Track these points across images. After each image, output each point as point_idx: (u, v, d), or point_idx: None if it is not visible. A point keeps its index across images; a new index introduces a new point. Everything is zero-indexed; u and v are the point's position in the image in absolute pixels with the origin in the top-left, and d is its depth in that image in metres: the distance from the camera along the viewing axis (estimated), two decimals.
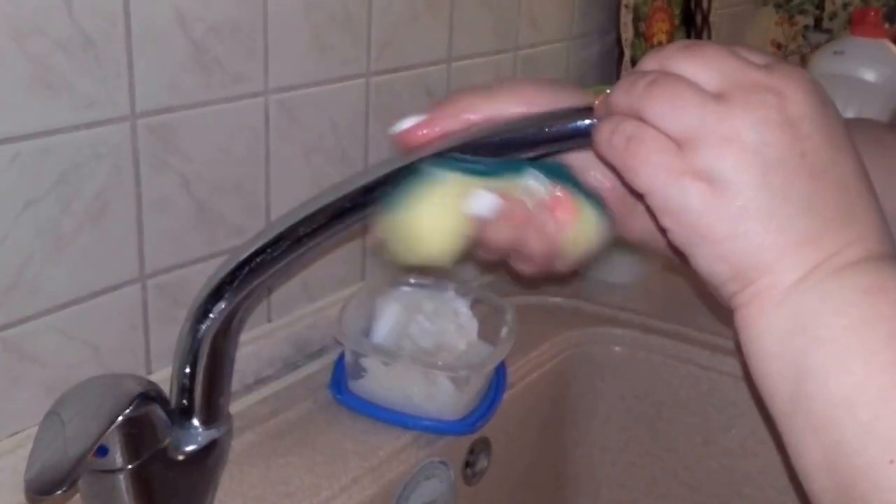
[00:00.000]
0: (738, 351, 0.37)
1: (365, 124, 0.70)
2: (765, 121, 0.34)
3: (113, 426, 0.43)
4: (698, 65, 0.35)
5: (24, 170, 0.49)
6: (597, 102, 0.38)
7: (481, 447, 0.73)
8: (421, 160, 0.38)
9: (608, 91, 0.37)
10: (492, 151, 0.39)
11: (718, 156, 0.34)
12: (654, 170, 0.35)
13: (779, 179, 0.34)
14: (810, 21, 1.36)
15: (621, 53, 0.98)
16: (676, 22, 1.08)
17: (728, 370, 0.81)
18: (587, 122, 0.38)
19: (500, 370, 0.72)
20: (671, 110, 0.34)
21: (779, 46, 1.38)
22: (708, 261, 0.36)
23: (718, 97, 0.34)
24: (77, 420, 0.44)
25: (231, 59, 0.58)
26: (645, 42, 1.01)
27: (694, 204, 0.34)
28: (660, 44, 1.04)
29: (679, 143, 0.35)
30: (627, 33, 0.98)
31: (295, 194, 0.66)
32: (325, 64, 0.65)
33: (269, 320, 0.68)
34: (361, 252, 0.74)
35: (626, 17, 0.98)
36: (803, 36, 1.37)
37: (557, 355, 0.82)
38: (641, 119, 0.35)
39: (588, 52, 0.96)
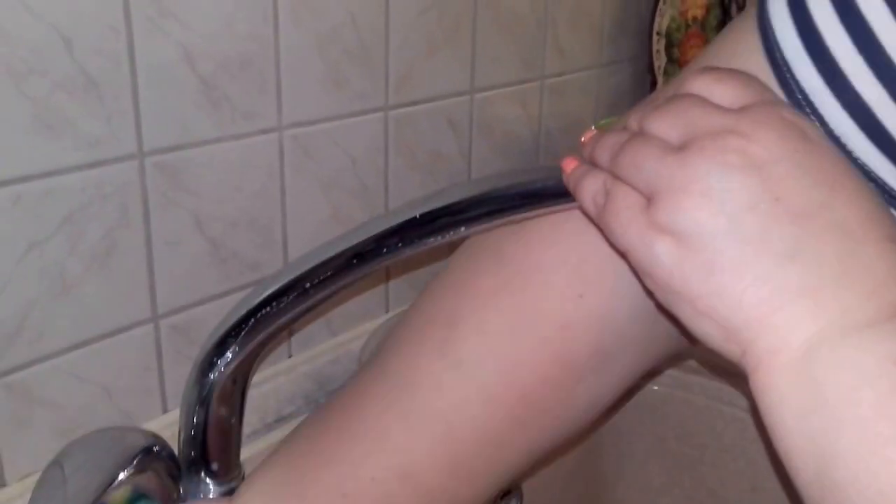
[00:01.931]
0: (755, 415, 0.34)
1: (385, 158, 0.68)
2: (724, 166, 0.31)
3: (114, 484, 0.41)
4: (665, 120, 0.33)
5: (27, 212, 0.47)
6: (570, 165, 0.36)
7: (513, 494, 0.70)
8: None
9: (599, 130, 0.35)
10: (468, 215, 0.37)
11: (677, 207, 0.31)
12: (624, 227, 0.33)
13: (752, 225, 0.31)
14: None
15: (654, 81, 0.95)
16: None
17: None
18: (554, 182, 0.35)
19: None
20: (633, 167, 0.33)
21: None
22: (693, 321, 0.33)
23: (680, 149, 0.32)
24: (79, 475, 0.42)
25: (242, 95, 0.56)
26: (679, 69, 0.98)
27: (663, 260, 0.32)
28: None
29: (647, 199, 0.33)
30: (660, 60, 0.95)
31: (314, 229, 0.64)
32: (341, 98, 0.63)
33: (290, 356, 0.66)
34: (385, 285, 0.72)
35: (659, 44, 0.95)
36: None
37: None
38: (616, 177, 0.34)
39: (618, 79, 0.94)
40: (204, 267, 0.58)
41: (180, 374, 0.58)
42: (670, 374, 0.81)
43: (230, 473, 0.48)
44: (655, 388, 0.81)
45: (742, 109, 0.33)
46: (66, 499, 0.41)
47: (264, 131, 0.58)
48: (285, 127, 0.59)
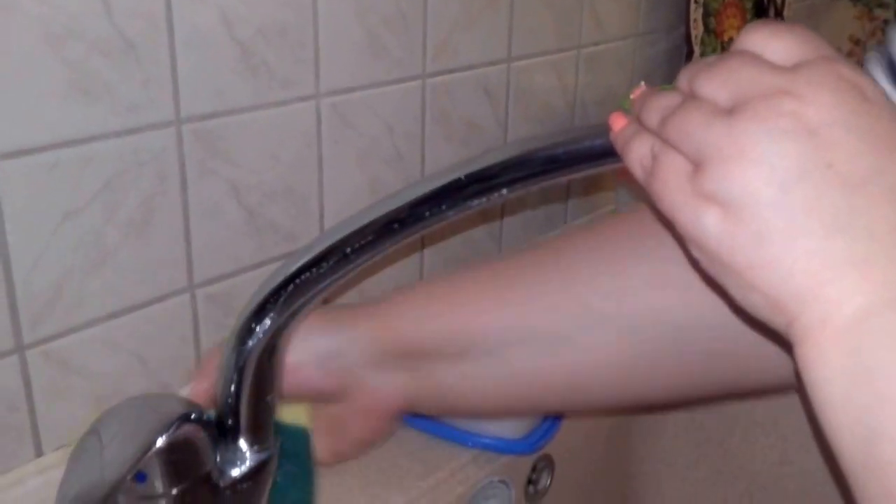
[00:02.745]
0: (800, 391, 0.33)
1: (421, 127, 0.67)
2: (777, 130, 0.30)
3: (151, 451, 0.41)
4: (716, 80, 0.32)
5: (63, 179, 0.47)
6: (618, 123, 0.35)
7: (544, 465, 0.69)
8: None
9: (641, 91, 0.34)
10: (512, 177, 0.36)
11: (724, 176, 0.30)
12: (671, 195, 0.32)
13: (802, 195, 0.29)
14: (890, 15, 1.28)
15: (690, 51, 0.93)
16: (748, 17, 1.03)
17: None
18: (601, 141, 0.34)
19: None
20: (681, 132, 0.32)
21: (857, 42, 1.31)
22: (740, 292, 0.32)
23: (730, 112, 0.31)
24: (116, 443, 0.42)
25: (280, 62, 0.55)
26: (716, 38, 0.96)
27: (710, 231, 0.31)
28: (730, 40, 0.99)
29: (695, 166, 0.31)
30: (697, 30, 0.93)
31: (350, 199, 0.63)
32: (378, 66, 0.62)
33: None
34: (419, 261, 0.71)
35: (696, 13, 0.93)
36: (883, 31, 1.29)
37: None
38: (664, 141, 0.33)
39: (655, 49, 0.92)
40: (240, 237, 0.58)
41: (216, 344, 0.58)
42: None
43: (266, 441, 0.47)
44: None
45: (797, 67, 0.31)
46: (104, 466, 0.41)
47: (302, 99, 0.58)
48: (323, 94, 0.59)
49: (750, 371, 0.47)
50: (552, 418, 0.66)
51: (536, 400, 0.51)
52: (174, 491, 0.44)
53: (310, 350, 0.48)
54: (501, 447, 0.63)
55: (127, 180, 0.50)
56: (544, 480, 0.70)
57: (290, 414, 0.50)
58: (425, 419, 0.63)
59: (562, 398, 0.50)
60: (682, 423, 0.82)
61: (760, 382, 0.48)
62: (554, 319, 0.47)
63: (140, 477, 0.42)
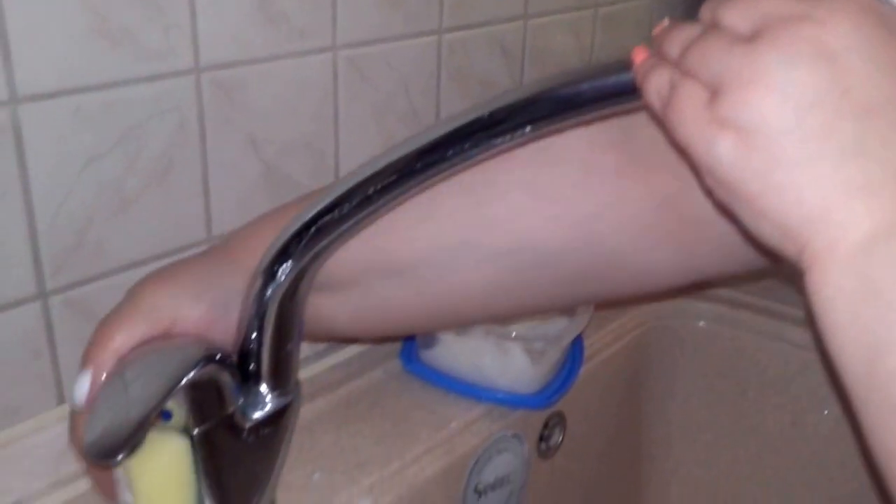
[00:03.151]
0: (811, 322, 0.33)
1: (437, 84, 0.67)
2: (796, 56, 0.30)
3: (177, 388, 0.42)
4: (738, 9, 0.32)
5: (86, 124, 0.47)
6: (640, 56, 0.34)
7: (556, 422, 0.70)
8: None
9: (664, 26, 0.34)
10: (535, 115, 0.36)
11: (740, 101, 0.30)
12: (686, 122, 0.32)
13: (816, 121, 0.30)
14: None
15: None
16: None
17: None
18: (628, 76, 0.34)
19: (577, 343, 0.69)
20: (700, 60, 0.32)
21: None
22: (752, 220, 0.32)
23: (750, 38, 0.31)
24: (140, 382, 0.42)
25: (298, 11, 0.55)
26: None
27: (723, 159, 0.31)
28: None
29: (712, 94, 0.31)
30: None
31: (365, 156, 0.63)
32: (395, 18, 0.62)
33: None
34: None
35: None
36: None
37: (637, 329, 0.79)
38: (683, 71, 0.33)
39: (674, 10, 0.92)
40: (258, 190, 0.58)
41: None
42: (715, 309, 0.80)
43: (287, 385, 0.48)
44: (700, 323, 0.81)
45: None
46: (129, 404, 0.41)
47: (319, 50, 0.58)
48: (340, 47, 0.59)
49: (622, 285, 0.48)
50: (566, 373, 0.66)
51: (403, 325, 0.54)
52: (197, 430, 0.44)
53: (207, 306, 0.46)
54: (514, 402, 0.64)
55: (148, 128, 0.50)
56: (556, 437, 0.71)
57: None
58: (440, 375, 0.64)
59: (429, 322, 0.54)
60: (694, 384, 0.82)
61: (636, 291, 0.50)
62: (417, 249, 0.47)
63: (166, 415, 0.43)
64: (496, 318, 0.61)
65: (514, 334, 0.63)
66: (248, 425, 0.47)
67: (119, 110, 0.48)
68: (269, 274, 0.44)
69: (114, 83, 0.48)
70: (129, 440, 0.39)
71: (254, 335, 0.46)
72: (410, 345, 0.65)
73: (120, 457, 0.38)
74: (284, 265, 0.44)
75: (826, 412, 0.77)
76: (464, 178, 0.44)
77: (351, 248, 0.46)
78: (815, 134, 0.30)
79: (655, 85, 0.34)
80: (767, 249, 0.33)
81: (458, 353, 0.63)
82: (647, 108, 0.34)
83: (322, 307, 0.49)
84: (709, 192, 0.34)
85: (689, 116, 0.32)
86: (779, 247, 0.32)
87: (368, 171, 0.40)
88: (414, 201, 0.44)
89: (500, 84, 0.73)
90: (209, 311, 0.46)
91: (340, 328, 0.51)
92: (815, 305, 0.31)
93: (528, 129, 0.36)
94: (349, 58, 0.60)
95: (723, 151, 0.31)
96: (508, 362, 0.62)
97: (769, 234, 0.32)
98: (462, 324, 0.60)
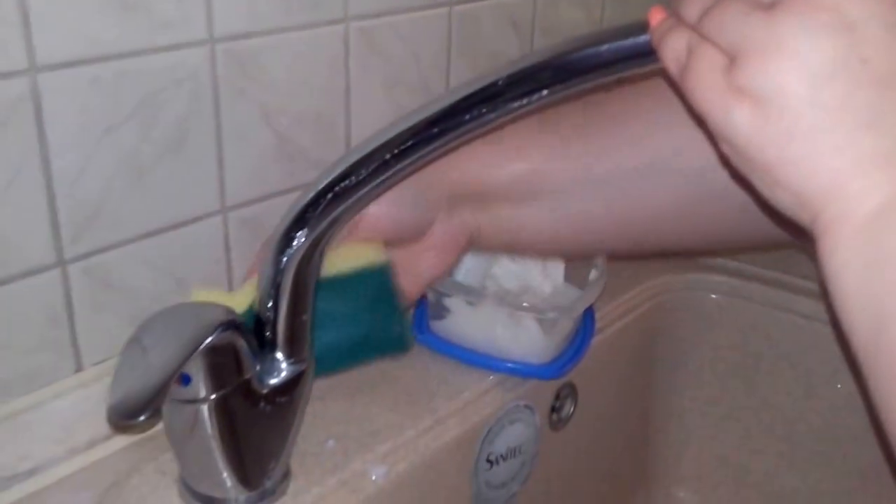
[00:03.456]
0: (824, 291, 0.34)
1: (447, 57, 0.68)
2: (815, 24, 0.30)
3: (196, 352, 0.42)
4: None
5: (103, 93, 0.48)
6: (656, 17, 0.35)
7: (568, 393, 0.70)
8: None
9: None
10: (551, 78, 0.36)
11: (758, 70, 0.30)
12: (703, 89, 0.32)
13: (833, 91, 0.30)
14: None
15: None
16: None
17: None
18: (644, 38, 0.34)
19: (589, 314, 0.69)
20: (719, 25, 0.32)
21: None
22: (767, 188, 0.32)
23: (770, 5, 0.31)
24: (160, 347, 0.43)
25: None
26: None
27: (740, 127, 0.31)
28: None
29: (731, 60, 0.31)
30: None
31: (375, 128, 0.64)
32: None
33: None
34: None
35: None
36: None
37: (648, 301, 0.79)
38: (700, 36, 0.33)
39: None
40: (270, 162, 0.58)
41: (247, 267, 0.59)
42: (727, 281, 0.81)
43: (302, 353, 0.49)
44: (712, 296, 0.81)
45: None
46: (149, 369, 0.42)
47: (331, 22, 0.58)
48: (351, 18, 0.59)
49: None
50: (578, 344, 0.67)
51: (591, 242, 0.57)
52: (214, 396, 0.45)
53: (389, 197, 0.50)
54: (526, 372, 0.64)
55: (163, 98, 0.50)
56: (567, 408, 0.71)
57: (366, 254, 0.52)
58: (451, 345, 0.64)
59: (619, 239, 0.56)
60: (706, 357, 0.83)
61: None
62: (611, 169, 0.51)
63: (185, 379, 0.43)
64: (680, 245, 0.61)
65: (526, 304, 0.63)
66: (263, 391, 0.47)
67: (135, 80, 0.49)
68: (285, 241, 0.45)
69: (130, 53, 0.48)
70: (150, 403, 0.40)
71: (270, 303, 0.47)
72: (421, 315, 0.66)
73: (142, 418, 0.39)
74: (300, 233, 0.44)
75: (839, 385, 0.77)
76: (648, 104, 0.49)
77: (554, 161, 0.51)
78: (832, 104, 0.30)
79: (673, 48, 0.34)
80: (782, 217, 0.33)
81: (469, 324, 0.64)
82: (663, 71, 0.34)
83: (526, 218, 0.53)
84: (725, 160, 0.34)
85: (707, 83, 0.32)
86: (793, 214, 0.33)
87: (385, 137, 0.40)
88: (595, 125, 0.48)
89: (509, 57, 0.73)
90: (391, 207, 0.50)
91: (541, 241, 0.55)
92: (826, 273, 0.32)
93: (544, 92, 0.36)
94: (361, 29, 0.60)
95: (740, 120, 0.31)
96: (520, 332, 0.63)
97: (784, 201, 0.32)
98: (649, 249, 0.61)
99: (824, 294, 0.33)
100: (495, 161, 0.52)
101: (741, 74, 0.31)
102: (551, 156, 0.52)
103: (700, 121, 0.33)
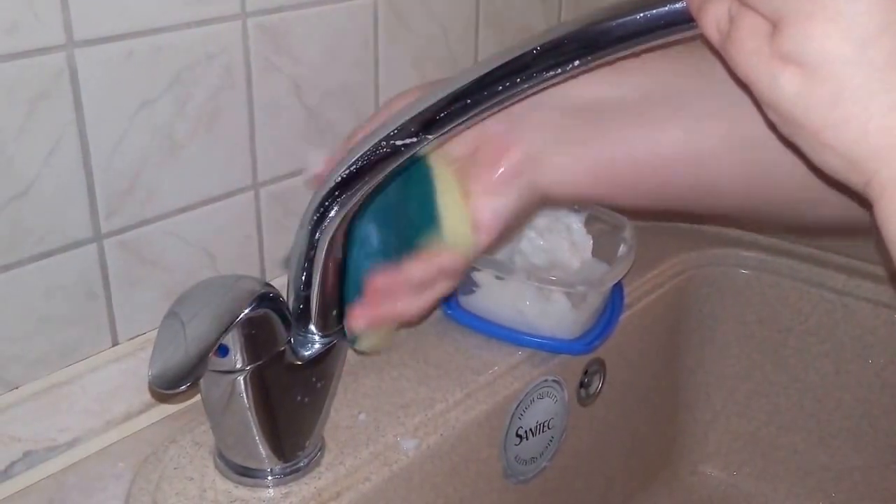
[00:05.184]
0: (882, 252, 0.33)
1: (475, 30, 0.67)
2: None
3: (234, 324, 0.43)
4: None
5: (138, 68, 0.48)
6: None
7: (596, 368, 0.70)
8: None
9: None
10: (587, 48, 0.36)
11: (803, 35, 0.30)
12: (747, 56, 0.31)
13: (879, 53, 0.29)
14: None
15: None
16: None
17: (866, 295, 0.75)
18: (681, 5, 0.34)
19: (618, 290, 0.69)
20: None
21: None
22: (817, 153, 0.32)
23: None
24: (198, 319, 0.44)
25: None
26: None
27: (787, 92, 0.31)
28: None
29: (773, 26, 0.31)
30: None
31: None
32: None
33: None
34: None
35: None
36: None
37: (677, 276, 0.79)
38: (741, 2, 0.32)
39: None
40: (301, 137, 0.59)
41: (278, 243, 0.60)
42: (757, 256, 0.80)
43: (335, 326, 0.49)
44: (742, 271, 0.81)
45: None
46: (188, 341, 0.43)
47: None
48: None
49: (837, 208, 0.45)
50: (606, 319, 0.67)
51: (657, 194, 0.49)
52: (251, 367, 0.45)
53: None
54: (554, 346, 0.64)
55: (196, 73, 0.51)
56: (596, 384, 0.71)
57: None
58: (480, 320, 0.64)
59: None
60: (734, 332, 0.82)
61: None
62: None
63: (222, 350, 0.44)
64: (746, 207, 0.53)
65: (555, 278, 0.63)
66: (298, 363, 0.48)
67: (169, 54, 0.49)
68: (321, 215, 0.45)
69: (164, 28, 0.48)
70: (191, 373, 0.41)
71: (303, 276, 0.47)
72: None
73: (183, 387, 0.40)
74: (334, 208, 0.44)
75: (870, 361, 0.77)
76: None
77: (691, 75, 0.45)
78: (879, 63, 0.29)
79: (714, 16, 0.33)
80: (834, 181, 0.33)
81: (498, 298, 0.64)
82: (703, 39, 0.34)
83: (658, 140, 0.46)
84: (772, 127, 0.33)
85: (751, 51, 0.31)
86: (845, 179, 0.32)
87: (417, 109, 0.40)
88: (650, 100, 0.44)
89: (537, 30, 0.72)
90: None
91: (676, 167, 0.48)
92: (885, 236, 0.31)
93: (576, 63, 0.36)
94: (390, 3, 0.60)
95: (786, 87, 0.31)
96: (549, 307, 0.63)
97: (835, 166, 0.32)
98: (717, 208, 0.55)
99: (884, 255, 0.32)
100: (617, 78, 0.46)
101: (785, 40, 0.31)
102: (685, 72, 0.45)
103: (746, 88, 0.33)
